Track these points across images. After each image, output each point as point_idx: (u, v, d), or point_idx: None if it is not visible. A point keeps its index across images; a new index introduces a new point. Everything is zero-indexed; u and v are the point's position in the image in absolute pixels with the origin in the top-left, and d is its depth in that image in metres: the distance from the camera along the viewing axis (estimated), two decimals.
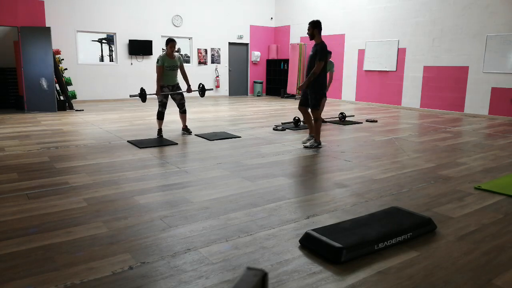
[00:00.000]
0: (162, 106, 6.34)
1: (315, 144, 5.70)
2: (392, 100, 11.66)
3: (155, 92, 6.28)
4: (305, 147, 5.68)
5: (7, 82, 10.06)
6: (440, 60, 10.35)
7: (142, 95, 6.24)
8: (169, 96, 6.42)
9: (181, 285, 2.15)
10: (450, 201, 3.56)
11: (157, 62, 6.23)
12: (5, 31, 10.05)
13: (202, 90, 6.70)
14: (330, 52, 6.04)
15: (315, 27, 5.46)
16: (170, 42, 6.22)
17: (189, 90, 6.52)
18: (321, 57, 5.37)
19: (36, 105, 9.34)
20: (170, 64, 6.26)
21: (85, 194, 3.58)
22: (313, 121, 5.76)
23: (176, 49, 6.41)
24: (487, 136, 7.03)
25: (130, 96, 6.62)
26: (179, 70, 6.46)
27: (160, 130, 6.40)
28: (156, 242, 2.65)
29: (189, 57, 13.70)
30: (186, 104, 6.64)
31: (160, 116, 6.36)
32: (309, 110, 5.76)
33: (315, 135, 5.73)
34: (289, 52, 14.25)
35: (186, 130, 6.75)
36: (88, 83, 11.63)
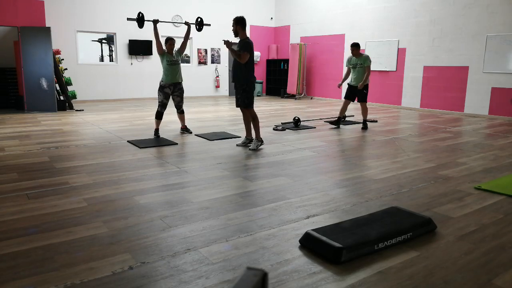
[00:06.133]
0: (162, 106, 6.33)
1: (259, 143, 5.55)
2: (392, 100, 11.66)
3: (152, 19, 6.18)
4: (251, 149, 5.50)
5: (7, 82, 10.06)
6: (440, 60, 10.35)
7: (140, 19, 6.14)
8: (170, 97, 6.41)
9: (181, 285, 2.15)
10: (450, 201, 3.56)
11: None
12: (5, 31, 10.04)
13: (200, 23, 6.53)
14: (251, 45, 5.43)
15: (238, 23, 5.27)
16: (170, 40, 6.25)
17: (187, 23, 6.40)
18: (245, 48, 5.20)
19: (36, 105, 9.34)
20: (170, 59, 6.26)
21: (85, 194, 3.58)
22: (252, 120, 5.58)
23: (176, 49, 6.41)
24: (487, 136, 7.03)
25: (128, 19, 6.37)
26: (180, 68, 6.44)
27: (157, 130, 6.38)
28: (156, 242, 2.65)
29: (189, 57, 13.70)
30: (186, 104, 6.65)
31: (159, 116, 6.34)
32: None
33: (256, 133, 5.55)
34: (289, 52, 14.25)
35: (185, 130, 6.75)
36: (88, 83, 11.63)
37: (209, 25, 6.90)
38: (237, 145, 5.80)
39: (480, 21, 9.46)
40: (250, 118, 5.61)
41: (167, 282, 2.17)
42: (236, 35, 5.39)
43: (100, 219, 3.02)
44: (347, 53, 12.69)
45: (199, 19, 6.51)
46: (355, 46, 7.42)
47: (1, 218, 3.02)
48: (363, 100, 7.53)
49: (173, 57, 6.29)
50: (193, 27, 6.54)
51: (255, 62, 14.88)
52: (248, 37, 5.39)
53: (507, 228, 2.98)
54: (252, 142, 5.69)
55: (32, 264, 2.34)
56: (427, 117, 9.51)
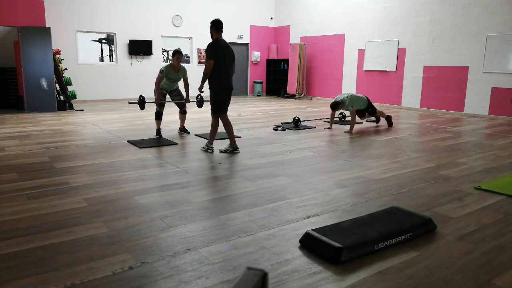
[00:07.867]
0: (160, 106, 6.32)
1: (230, 148, 5.33)
2: (392, 100, 11.66)
3: (154, 101, 6.21)
4: (220, 150, 5.36)
5: (7, 82, 10.06)
6: (440, 60, 10.35)
7: (141, 102, 6.14)
8: (167, 96, 6.41)
9: (181, 285, 2.15)
10: (450, 201, 3.56)
11: (161, 72, 6.06)
12: (5, 31, 10.04)
13: (200, 101, 6.54)
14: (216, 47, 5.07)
15: (211, 26, 5.06)
16: (177, 54, 6.08)
17: (187, 100, 6.44)
18: (209, 55, 4.96)
19: (36, 105, 9.34)
20: (174, 77, 6.18)
21: (85, 194, 3.58)
22: (224, 125, 5.30)
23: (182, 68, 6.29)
24: (487, 136, 7.03)
25: (129, 102, 6.54)
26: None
27: (158, 130, 6.39)
28: (156, 242, 2.65)
29: (189, 57, 13.70)
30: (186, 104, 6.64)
31: (158, 116, 6.34)
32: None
33: (229, 139, 5.33)
34: (289, 52, 14.24)
35: (183, 131, 6.74)
36: (88, 83, 11.63)
37: (209, 101, 6.99)
38: (220, 151, 5.43)
39: (480, 21, 9.46)
40: (223, 124, 5.31)
41: (167, 282, 2.17)
42: (212, 38, 5.15)
43: (100, 219, 3.02)
44: (347, 53, 12.73)
45: (199, 97, 6.33)
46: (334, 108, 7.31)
47: (1, 218, 3.02)
48: (374, 113, 7.74)
49: (178, 75, 6.18)
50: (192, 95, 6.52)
51: (255, 62, 15.04)
52: (217, 39, 5.06)
53: (507, 228, 2.98)
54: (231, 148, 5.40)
55: (32, 264, 2.34)
56: (427, 117, 9.51)
